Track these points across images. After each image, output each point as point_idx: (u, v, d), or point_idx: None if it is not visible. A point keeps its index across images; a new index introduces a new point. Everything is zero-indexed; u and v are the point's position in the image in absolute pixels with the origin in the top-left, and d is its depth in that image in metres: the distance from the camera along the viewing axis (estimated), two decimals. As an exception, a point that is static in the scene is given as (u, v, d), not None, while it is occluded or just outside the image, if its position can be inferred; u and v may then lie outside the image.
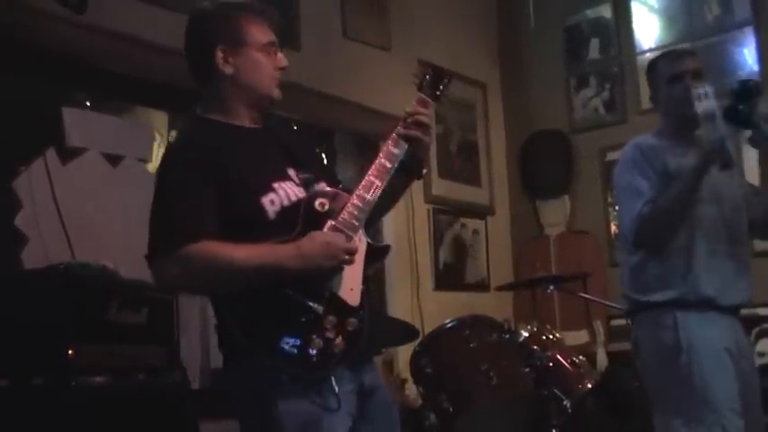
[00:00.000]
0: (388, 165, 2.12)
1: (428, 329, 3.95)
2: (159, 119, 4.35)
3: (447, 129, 5.67)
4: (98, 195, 3.73)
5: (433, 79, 2.24)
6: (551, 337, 3.87)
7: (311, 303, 1.97)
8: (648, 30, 5.59)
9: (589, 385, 3.70)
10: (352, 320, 2.00)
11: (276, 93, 2.17)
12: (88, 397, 2.72)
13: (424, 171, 2.30)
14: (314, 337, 1.94)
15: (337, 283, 2.02)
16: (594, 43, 5.84)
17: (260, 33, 2.15)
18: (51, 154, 3.59)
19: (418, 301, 5.05)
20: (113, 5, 3.70)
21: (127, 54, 3.76)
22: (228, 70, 2.11)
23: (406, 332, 3.90)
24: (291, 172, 2.14)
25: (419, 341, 3.78)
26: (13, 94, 3.50)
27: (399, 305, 4.92)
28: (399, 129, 2.16)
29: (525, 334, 3.85)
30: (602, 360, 5.11)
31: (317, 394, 1.95)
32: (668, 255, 2.78)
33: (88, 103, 3.88)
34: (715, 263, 2.77)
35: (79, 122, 3.75)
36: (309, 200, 2.08)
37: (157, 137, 4.24)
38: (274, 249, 1.98)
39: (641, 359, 2.90)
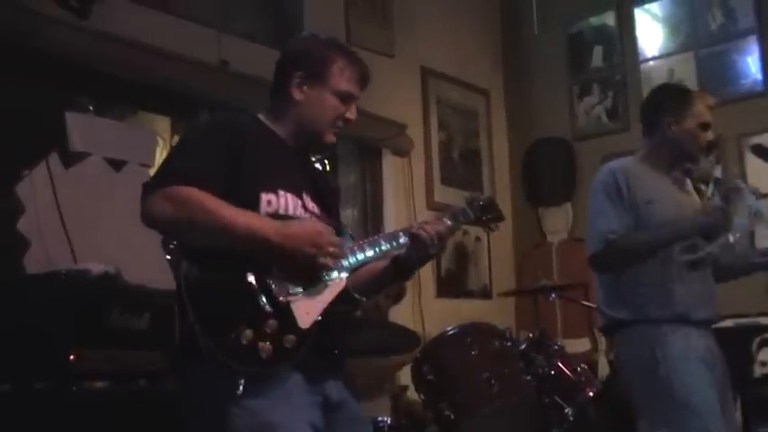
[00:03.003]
0: (401, 238, 2.19)
1: (430, 337, 3.94)
2: (162, 124, 4.34)
3: (450, 136, 5.67)
4: (101, 200, 3.72)
5: (485, 208, 2.37)
6: (553, 344, 3.87)
7: (263, 297, 1.94)
8: (652, 38, 5.60)
9: (590, 393, 3.70)
10: (291, 338, 1.95)
11: (330, 138, 2.21)
12: (89, 402, 2.71)
13: (407, 281, 2.36)
14: (248, 330, 1.90)
15: (296, 300, 1.99)
16: (598, 51, 5.85)
17: (343, 80, 2.19)
18: (54, 158, 3.59)
19: (420, 309, 5.04)
20: (117, 10, 3.71)
21: (130, 59, 3.77)
22: (298, 96, 2.16)
23: (405, 340, 3.90)
24: (306, 197, 2.15)
25: (420, 348, 3.77)
26: (16, 98, 3.51)
27: (401, 312, 4.91)
28: (419, 224, 2.21)
29: (527, 342, 3.84)
30: (603, 368, 5.10)
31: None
32: (640, 273, 2.86)
33: (91, 108, 3.88)
34: (686, 282, 2.85)
35: (82, 127, 3.74)
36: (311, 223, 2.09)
37: (160, 142, 4.24)
38: (261, 219, 1.98)
39: (623, 374, 2.97)
